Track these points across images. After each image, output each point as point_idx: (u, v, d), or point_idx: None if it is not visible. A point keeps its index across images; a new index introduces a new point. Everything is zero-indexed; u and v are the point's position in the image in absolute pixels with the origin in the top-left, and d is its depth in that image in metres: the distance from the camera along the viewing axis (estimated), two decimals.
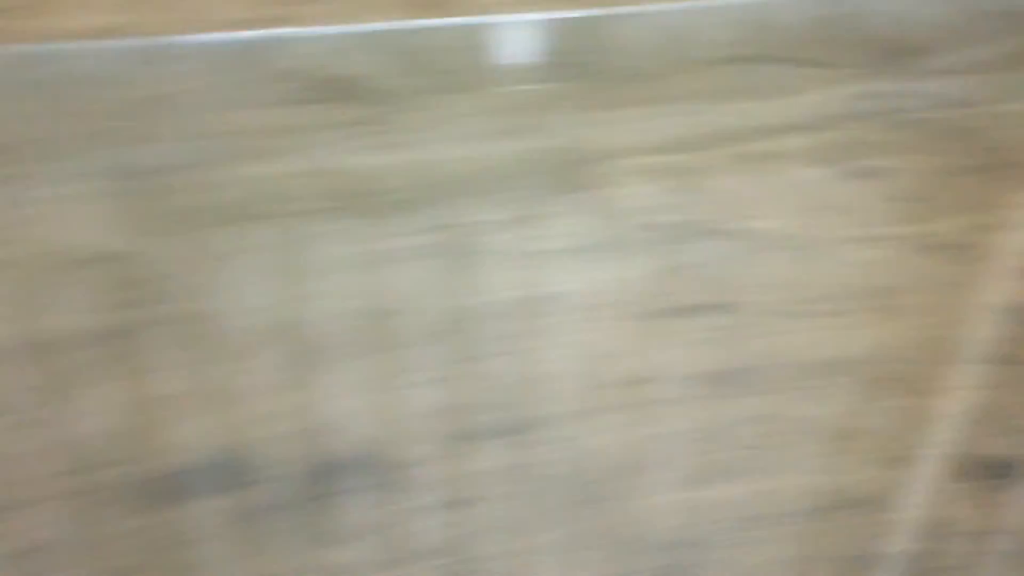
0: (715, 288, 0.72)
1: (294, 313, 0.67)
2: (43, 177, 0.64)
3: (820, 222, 0.72)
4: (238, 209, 0.68)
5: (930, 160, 0.73)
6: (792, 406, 0.78)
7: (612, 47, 0.65)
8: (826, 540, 0.85)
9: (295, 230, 0.68)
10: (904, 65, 0.69)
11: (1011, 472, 0.85)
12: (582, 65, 0.66)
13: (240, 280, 0.66)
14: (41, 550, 0.63)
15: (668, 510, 0.78)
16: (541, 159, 0.70)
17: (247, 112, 0.71)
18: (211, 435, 0.66)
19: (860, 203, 0.73)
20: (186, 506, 0.65)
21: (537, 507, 0.64)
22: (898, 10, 0.67)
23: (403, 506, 0.63)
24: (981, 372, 0.81)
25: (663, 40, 0.65)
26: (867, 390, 0.80)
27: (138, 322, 0.65)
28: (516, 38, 0.71)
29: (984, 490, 0.86)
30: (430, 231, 0.69)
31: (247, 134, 0.70)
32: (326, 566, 0.63)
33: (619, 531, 0.77)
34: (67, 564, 0.63)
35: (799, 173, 0.70)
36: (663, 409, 0.75)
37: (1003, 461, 0.85)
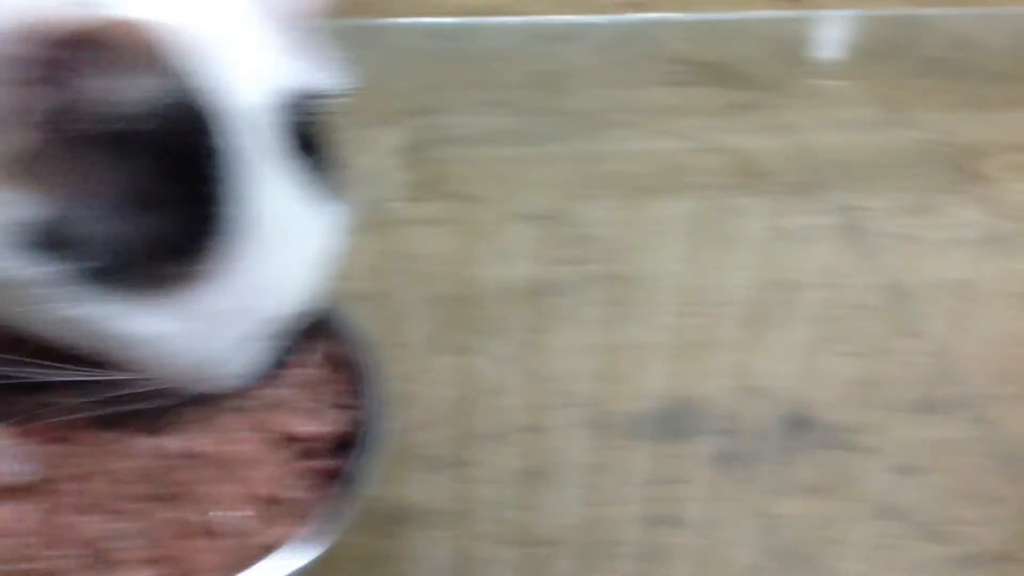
0: None
1: (714, 280, 0.68)
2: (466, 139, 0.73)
3: None
4: (650, 180, 0.74)
5: None
6: None
7: (978, 46, 0.78)
8: None
9: (706, 202, 0.72)
10: None
11: None
12: (950, 62, 0.78)
13: (663, 245, 0.69)
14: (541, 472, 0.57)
15: None
16: (924, 151, 0.77)
17: (638, 91, 0.82)
18: (667, 384, 0.63)
19: None
20: (649, 447, 0.58)
21: (982, 480, 0.58)
22: None
23: (853, 467, 0.58)
24: None
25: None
26: None
27: (580, 277, 0.66)
28: (882, 33, 0.85)
29: None
30: (829, 212, 0.73)
31: (640, 111, 0.80)
32: (776, 514, 0.56)
33: None
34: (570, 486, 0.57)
35: None
36: None
37: None
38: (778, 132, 0.81)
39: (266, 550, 0.46)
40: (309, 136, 0.44)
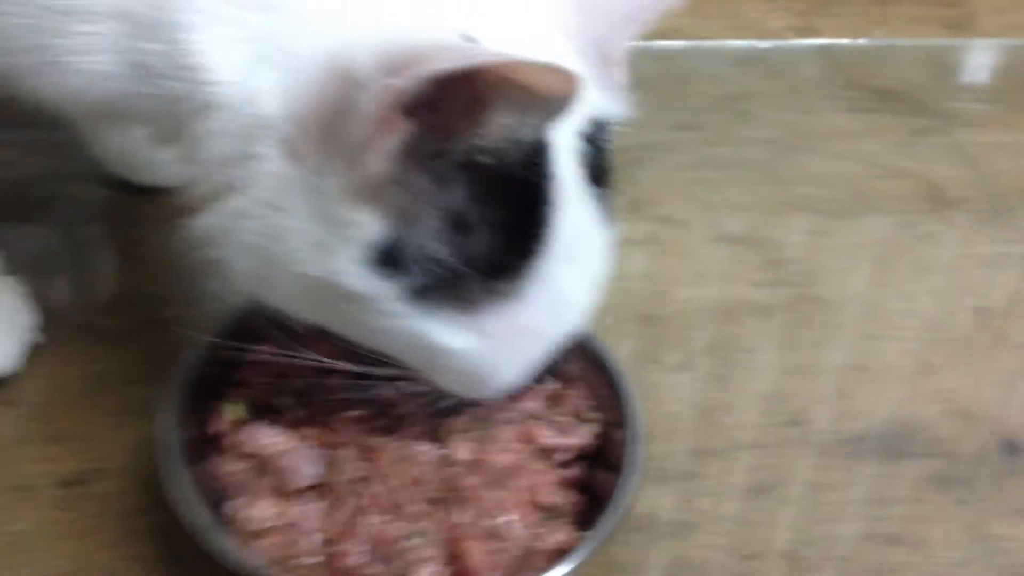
0: None
1: (909, 304, 0.70)
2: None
3: None
4: (837, 204, 0.77)
5: None
6: None
7: None
8: None
9: (894, 227, 0.75)
10: None
11: None
12: None
13: (855, 269, 0.72)
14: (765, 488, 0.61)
15: None
16: None
17: (817, 116, 0.85)
18: (879, 406, 0.66)
19: None
20: (867, 467, 0.61)
21: None
22: None
23: None
24: None
25: None
26: None
27: (776, 298, 0.69)
28: None
29: None
30: (1018, 240, 0.75)
31: (822, 136, 0.83)
32: (996, 535, 0.59)
33: None
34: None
35: None
36: None
37: None
38: (957, 158, 0.83)
39: (544, 556, 0.50)
40: (600, 161, 0.48)
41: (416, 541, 0.50)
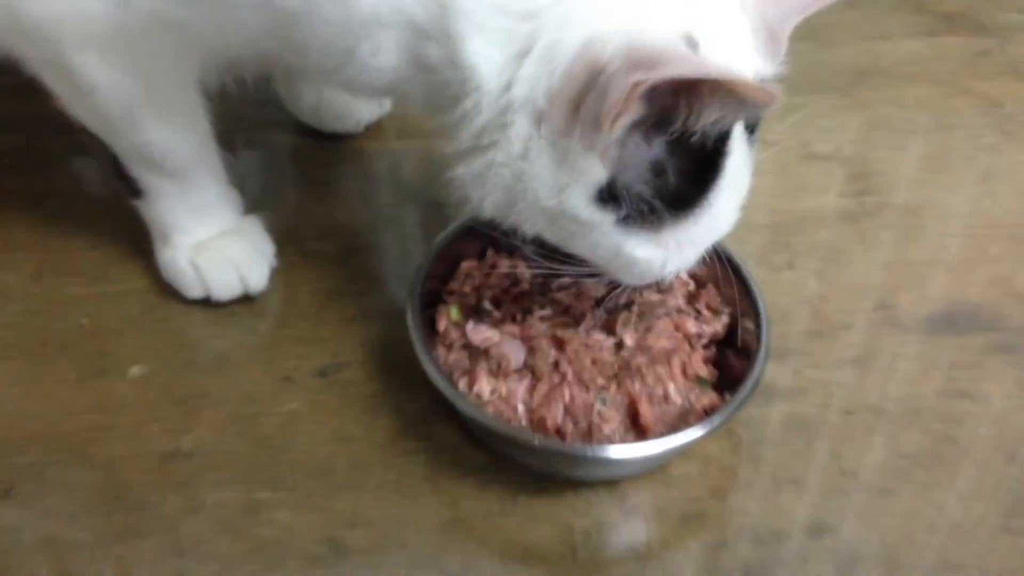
0: None
1: (977, 206, 0.84)
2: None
3: None
4: (914, 124, 0.90)
5: None
6: None
7: None
8: None
9: (965, 141, 0.88)
10: None
11: None
12: None
13: (933, 179, 0.85)
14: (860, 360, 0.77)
15: None
16: None
17: (893, 42, 0.98)
18: (947, 293, 0.82)
19: None
20: (939, 339, 0.77)
21: None
22: None
23: None
24: None
25: None
26: None
27: (867, 207, 0.83)
28: None
29: None
30: None
31: (898, 62, 0.96)
32: None
33: None
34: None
35: None
36: None
37: None
38: (1014, 74, 0.96)
39: (696, 414, 0.67)
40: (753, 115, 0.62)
41: (600, 407, 0.67)
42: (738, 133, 0.60)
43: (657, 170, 0.58)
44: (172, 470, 0.69)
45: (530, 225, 0.63)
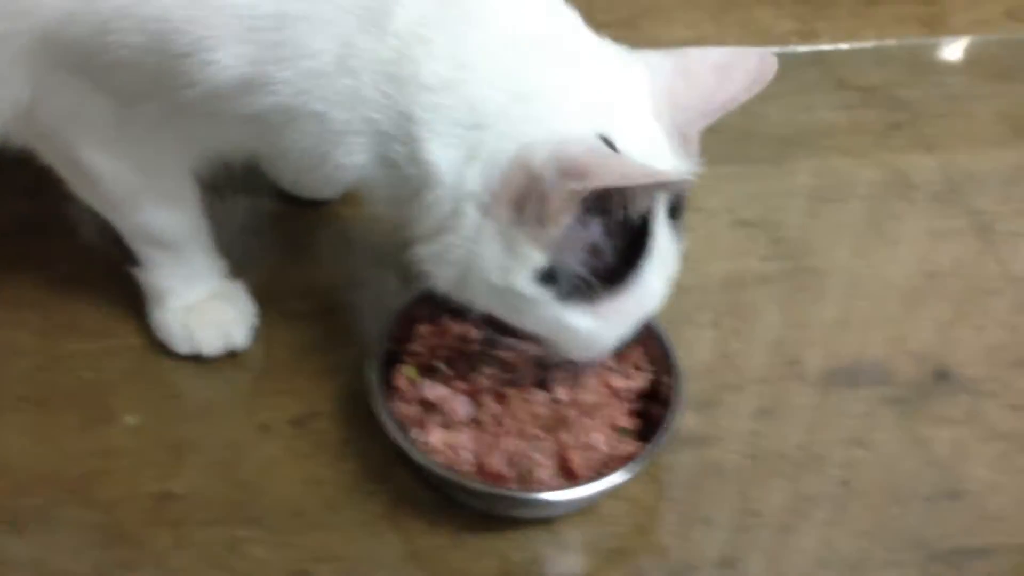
0: None
1: (878, 271, 0.94)
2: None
3: None
4: (827, 192, 1.01)
5: None
6: None
7: None
8: None
9: (871, 209, 0.99)
10: None
11: None
12: None
13: (841, 244, 0.96)
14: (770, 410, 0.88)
15: None
16: None
17: (815, 113, 1.09)
18: (848, 349, 0.93)
19: None
20: (839, 391, 0.88)
21: None
22: None
23: (981, 406, 0.88)
24: None
25: None
26: None
27: (779, 269, 0.94)
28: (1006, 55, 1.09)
29: None
30: (964, 216, 0.99)
31: (818, 132, 1.07)
32: (926, 438, 0.86)
33: None
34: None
35: None
36: None
37: None
38: (922, 147, 1.07)
39: (620, 460, 0.77)
40: (677, 202, 0.72)
41: (536, 455, 0.77)
42: (661, 217, 0.70)
43: (594, 251, 0.68)
44: (163, 510, 0.79)
45: (481, 301, 0.72)
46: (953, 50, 1.22)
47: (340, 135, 0.70)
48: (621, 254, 0.69)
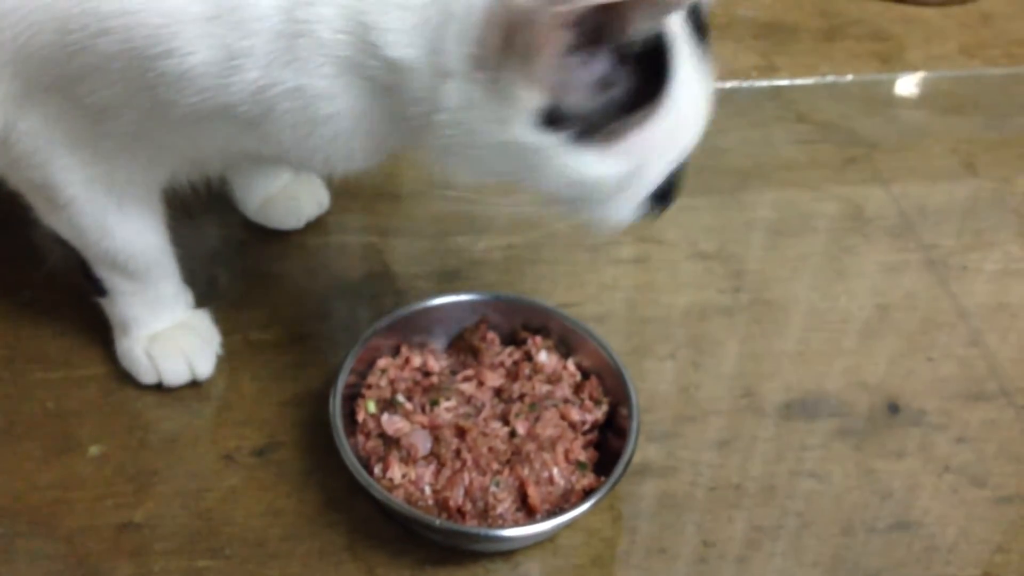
0: None
1: (832, 303, 0.97)
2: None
3: None
4: (784, 224, 1.03)
5: None
6: None
7: None
8: None
9: (827, 243, 1.02)
10: None
11: None
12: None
13: (795, 277, 0.98)
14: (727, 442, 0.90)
15: None
16: (989, 198, 1.05)
17: (774, 148, 1.11)
18: (803, 381, 0.95)
19: None
20: (794, 423, 0.91)
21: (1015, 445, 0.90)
22: None
23: (929, 439, 0.90)
24: None
25: None
26: None
27: (737, 301, 0.96)
28: (958, 90, 1.12)
29: None
30: (916, 250, 1.02)
31: (776, 167, 1.09)
32: (877, 470, 0.88)
33: None
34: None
35: None
36: None
37: None
38: (876, 181, 1.10)
39: (577, 494, 0.79)
40: (700, 23, 0.67)
41: (495, 488, 0.78)
42: (681, 37, 0.64)
43: (605, 84, 0.61)
44: (125, 540, 0.79)
45: (496, 169, 0.67)
46: (908, 85, 1.25)
47: (318, 91, 0.66)
48: (641, 82, 0.62)
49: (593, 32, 0.58)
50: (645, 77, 0.63)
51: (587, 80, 0.61)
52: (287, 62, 0.65)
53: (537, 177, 0.66)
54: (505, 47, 0.59)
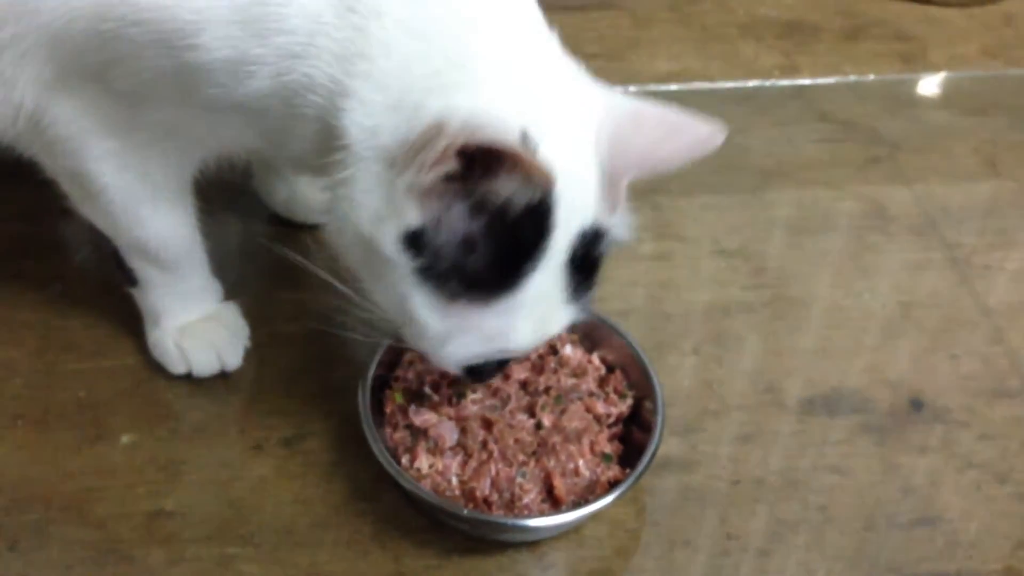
0: None
1: (855, 300, 0.97)
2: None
3: None
4: (807, 222, 1.04)
5: None
6: None
7: None
8: None
9: (849, 240, 1.02)
10: None
11: None
12: None
13: (821, 273, 0.99)
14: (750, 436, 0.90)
15: None
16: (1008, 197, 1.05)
17: (797, 147, 1.12)
18: (826, 378, 0.95)
19: None
20: (817, 419, 0.91)
21: None
22: None
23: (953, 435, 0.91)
24: None
25: None
26: None
27: (760, 298, 0.97)
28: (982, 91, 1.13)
29: None
30: (939, 248, 1.02)
31: (800, 165, 1.10)
32: (900, 465, 0.89)
33: None
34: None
35: None
36: None
37: None
38: (900, 180, 1.10)
39: (603, 486, 0.79)
40: (587, 258, 0.71)
41: (521, 480, 0.79)
42: (556, 256, 0.68)
43: (468, 242, 0.66)
44: (156, 527, 0.80)
45: (349, 254, 0.72)
46: (931, 85, 1.25)
47: (295, 117, 0.71)
48: (496, 272, 0.67)
49: (474, 169, 0.63)
50: (503, 270, 0.67)
51: (457, 228, 0.65)
52: (290, 81, 0.69)
53: (375, 284, 0.72)
54: (415, 156, 0.64)
